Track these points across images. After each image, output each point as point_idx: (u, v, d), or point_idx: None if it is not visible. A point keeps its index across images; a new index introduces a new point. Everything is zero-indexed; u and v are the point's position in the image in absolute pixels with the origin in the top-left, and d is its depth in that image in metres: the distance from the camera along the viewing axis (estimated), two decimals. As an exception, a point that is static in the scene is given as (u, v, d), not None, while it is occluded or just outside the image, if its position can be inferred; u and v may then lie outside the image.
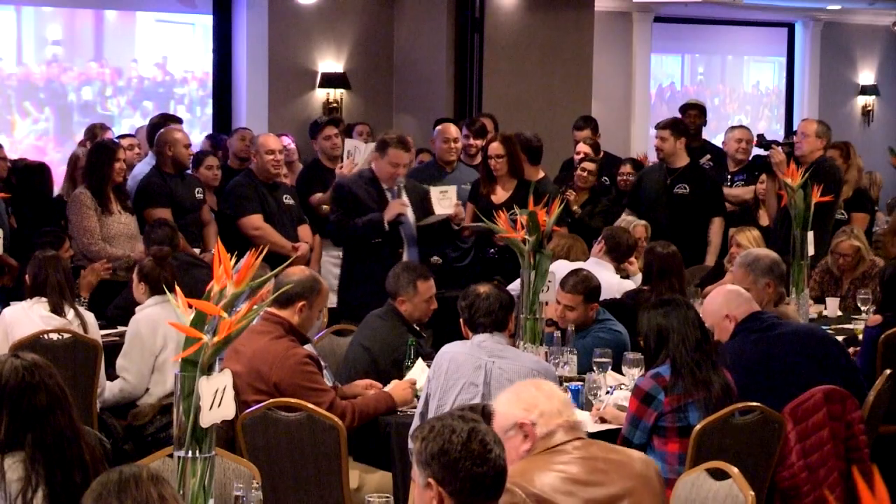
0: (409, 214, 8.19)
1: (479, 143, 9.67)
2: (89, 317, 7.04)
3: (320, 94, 12.45)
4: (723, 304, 5.92)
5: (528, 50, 12.73)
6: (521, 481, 3.81)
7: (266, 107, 12.13)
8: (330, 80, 12.42)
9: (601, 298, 6.92)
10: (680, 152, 9.53)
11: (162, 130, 9.18)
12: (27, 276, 7.04)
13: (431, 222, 8.26)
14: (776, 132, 16.33)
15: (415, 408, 5.79)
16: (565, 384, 5.89)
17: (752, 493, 4.40)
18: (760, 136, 10.13)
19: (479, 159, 9.42)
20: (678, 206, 9.36)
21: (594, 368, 6.13)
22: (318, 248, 9.44)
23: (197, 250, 8.66)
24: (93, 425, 6.41)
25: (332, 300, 8.70)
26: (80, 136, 10.45)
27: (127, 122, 11.88)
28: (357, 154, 9.34)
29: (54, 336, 6.76)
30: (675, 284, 7.28)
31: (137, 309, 6.99)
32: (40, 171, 9.31)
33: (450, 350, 5.68)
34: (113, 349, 7.05)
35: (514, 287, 6.81)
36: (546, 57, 12.79)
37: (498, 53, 12.52)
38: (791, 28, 17.19)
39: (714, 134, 13.90)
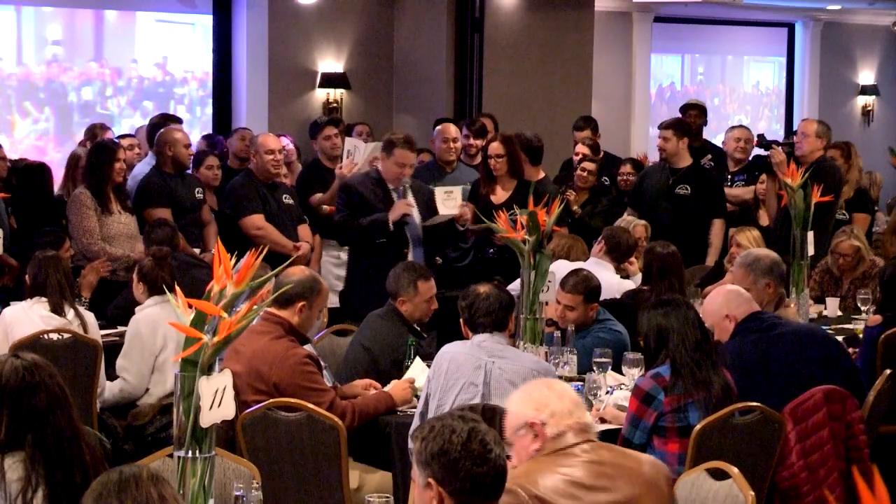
0: (415, 215, 8.16)
1: (479, 143, 9.67)
2: (89, 317, 7.04)
3: (320, 94, 12.45)
4: (723, 304, 5.92)
5: (528, 50, 12.73)
6: (525, 483, 3.79)
7: (266, 107, 12.13)
8: (330, 80, 12.42)
9: (601, 298, 6.92)
10: (682, 153, 9.53)
11: (162, 130, 9.18)
12: (27, 276, 7.04)
13: (437, 223, 8.23)
14: (776, 132, 16.33)
15: (415, 408, 5.79)
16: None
17: (752, 493, 4.40)
18: (761, 136, 10.13)
19: (479, 159, 9.42)
20: (679, 207, 9.36)
21: (594, 368, 6.13)
22: (318, 248, 9.45)
23: (197, 250, 8.66)
24: (93, 425, 6.41)
25: (333, 300, 8.70)
26: (81, 136, 10.45)
27: (127, 122, 11.88)
28: (357, 153, 9.34)
29: (54, 336, 6.76)
30: (675, 284, 7.28)
31: (137, 309, 6.99)
32: (41, 171, 9.31)
33: (450, 350, 5.68)
34: (113, 349, 7.05)
35: (514, 287, 6.81)
36: (546, 57, 12.79)
37: (498, 53, 12.52)
38: (791, 28, 17.19)
39: (714, 134, 13.90)
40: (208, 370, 3.76)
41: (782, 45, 17.24)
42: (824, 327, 7.08)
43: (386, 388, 6.02)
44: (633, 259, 8.16)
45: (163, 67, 12.27)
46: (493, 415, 5.28)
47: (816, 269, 8.67)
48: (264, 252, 4.21)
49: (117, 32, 12.15)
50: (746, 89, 17.19)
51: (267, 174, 8.99)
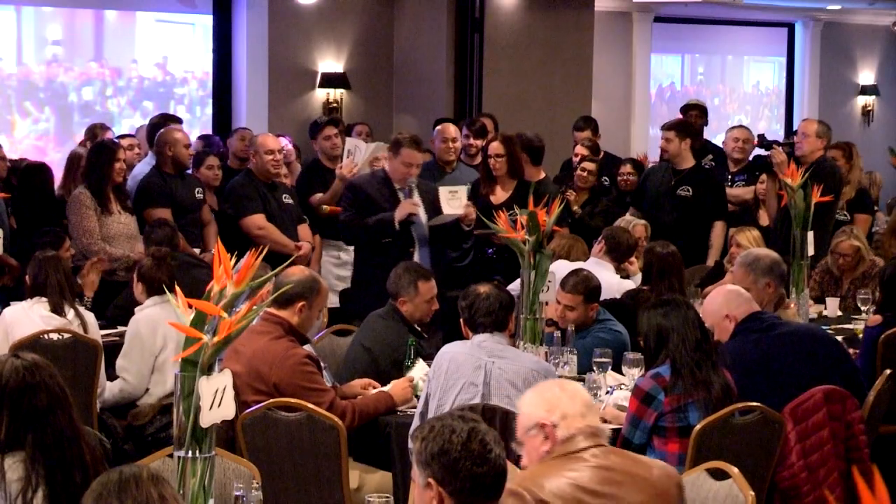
0: (421, 214, 8.14)
1: (479, 143, 9.67)
2: (89, 317, 7.04)
3: (320, 94, 12.45)
4: (723, 304, 5.92)
5: (528, 50, 12.74)
6: (531, 486, 3.76)
7: (266, 107, 12.13)
8: (330, 80, 12.42)
9: (601, 298, 6.92)
10: (685, 154, 9.53)
11: (162, 130, 9.18)
12: (27, 277, 7.04)
13: (442, 222, 8.20)
14: (776, 132, 16.33)
15: (415, 408, 5.79)
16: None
17: (752, 493, 4.40)
18: (761, 137, 10.13)
19: (479, 159, 9.43)
20: (681, 208, 9.36)
21: (594, 368, 6.13)
22: (318, 248, 9.45)
23: (197, 250, 8.66)
24: (93, 425, 6.41)
25: (333, 300, 8.69)
26: (81, 136, 10.46)
27: (127, 122, 11.88)
28: (357, 153, 9.34)
29: (54, 336, 6.77)
30: (675, 284, 7.28)
31: (137, 309, 6.99)
32: (41, 171, 9.31)
33: (450, 350, 5.68)
34: (113, 349, 7.05)
35: (514, 287, 6.81)
36: (546, 57, 12.80)
37: (498, 53, 12.53)
38: (791, 28, 17.19)
39: (714, 134, 13.90)
40: (208, 370, 3.76)
41: (782, 45, 17.24)
42: (824, 327, 7.08)
43: (386, 388, 6.02)
44: (633, 259, 8.16)
45: (163, 67, 12.28)
46: (493, 415, 5.30)
47: (816, 269, 8.68)
48: (264, 252, 4.22)
49: (117, 32, 12.15)
50: (746, 89, 17.19)
51: (267, 174, 8.99)
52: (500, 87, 12.46)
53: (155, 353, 6.87)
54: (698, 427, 5.17)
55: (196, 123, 12.19)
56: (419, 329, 6.56)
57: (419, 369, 6.13)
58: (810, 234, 7.90)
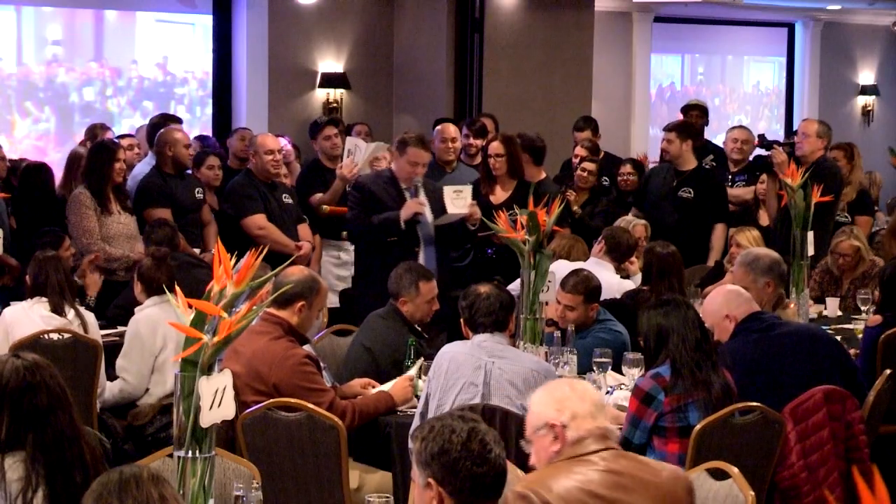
0: (427, 214, 8.13)
1: (479, 143, 9.67)
2: (89, 317, 7.04)
3: (320, 94, 12.45)
4: (723, 304, 5.92)
5: (528, 50, 12.74)
6: (538, 488, 3.73)
7: (266, 107, 12.13)
8: (330, 80, 12.42)
9: (601, 298, 6.92)
10: (686, 155, 9.53)
11: (162, 130, 9.19)
12: (27, 277, 7.04)
13: (448, 222, 8.19)
14: (776, 132, 16.33)
15: (415, 407, 5.79)
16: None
17: (752, 493, 4.40)
18: (762, 137, 10.13)
19: (479, 159, 9.42)
20: (682, 209, 9.36)
21: (594, 368, 6.13)
22: (318, 247, 9.45)
23: (197, 250, 8.66)
24: (93, 425, 6.41)
25: (333, 300, 8.69)
26: (81, 136, 10.46)
27: (127, 122, 11.89)
28: (357, 153, 9.34)
29: (54, 336, 6.77)
30: (675, 284, 7.28)
31: (137, 309, 6.99)
32: (41, 171, 9.31)
33: (450, 350, 5.68)
34: (113, 349, 7.06)
35: (514, 287, 6.81)
36: (546, 57, 12.80)
37: (498, 53, 12.53)
38: (791, 28, 17.19)
39: (714, 134, 13.89)
40: (208, 370, 3.76)
41: (782, 45, 17.24)
42: (824, 327, 7.08)
43: (386, 387, 6.02)
44: (633, 259, 8.16)
45: (163, 67, 12.28)
46: (493, 415, 5.30)
47: (816, 269, 8.68)
48: (264, 252, 4.21)
49: (117, 32, 12.15)
50: (746, 89, 17.19)
51: (266, 174, 8.99)
52: (500, 87, 12.46)
53: (155, 354, 6.87)
54: (698, 427, 5.17)
55: (196, 123, 12.19)
56: (419, 329, 6.57)
57: (419, 370, 6.13)
58: (810, 235, 7.90)
